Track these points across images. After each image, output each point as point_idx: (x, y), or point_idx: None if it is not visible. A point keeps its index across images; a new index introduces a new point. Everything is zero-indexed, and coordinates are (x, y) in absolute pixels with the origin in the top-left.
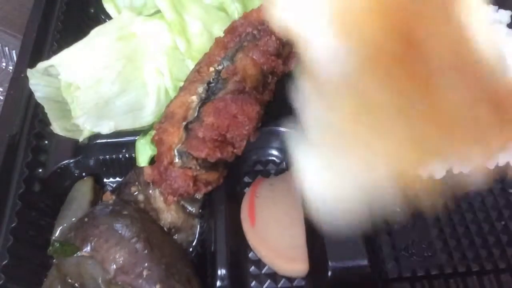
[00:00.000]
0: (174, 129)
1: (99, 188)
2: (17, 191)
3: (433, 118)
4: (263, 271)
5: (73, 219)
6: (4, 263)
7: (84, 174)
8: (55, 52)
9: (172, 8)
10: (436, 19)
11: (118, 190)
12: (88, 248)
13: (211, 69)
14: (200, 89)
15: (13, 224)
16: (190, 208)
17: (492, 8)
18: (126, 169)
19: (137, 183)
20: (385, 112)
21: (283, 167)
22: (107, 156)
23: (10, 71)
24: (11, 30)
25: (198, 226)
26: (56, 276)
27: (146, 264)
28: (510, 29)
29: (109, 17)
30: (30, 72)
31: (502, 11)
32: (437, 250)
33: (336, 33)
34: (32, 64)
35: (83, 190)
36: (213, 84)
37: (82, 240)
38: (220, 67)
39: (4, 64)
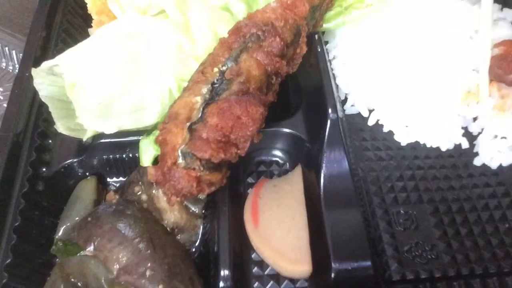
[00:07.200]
0: (178, 129)
1: (102, 187)
2: (20, 190)
3: None
4: (266, 272)
5: (77, 218)
6: (7, 261)
7: (87, 173)
8: (60, 51)
9: (177, 8)
10: None
11: (121, 189)
12: (91, 247)
13: (215, 69)
14: (204, 89)
15: (17, 223)
16: (193, 209)
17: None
18: (130, 169)
19: (140, 183)
20: None
21: (286, 168)
22: (111, 156)
23: (10, 71)
24: (11, 30)
25: (201, 227)
26: (59, 275)
27: (149, 264)
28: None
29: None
30: (34, 71)
31: (506, 10)
32: (440, 252)
33: None
34: (37, 63)
35: (86, 190)
36: (217, 85)
37: (85, 240)
38: (224, 68)
39: (4, 64)
